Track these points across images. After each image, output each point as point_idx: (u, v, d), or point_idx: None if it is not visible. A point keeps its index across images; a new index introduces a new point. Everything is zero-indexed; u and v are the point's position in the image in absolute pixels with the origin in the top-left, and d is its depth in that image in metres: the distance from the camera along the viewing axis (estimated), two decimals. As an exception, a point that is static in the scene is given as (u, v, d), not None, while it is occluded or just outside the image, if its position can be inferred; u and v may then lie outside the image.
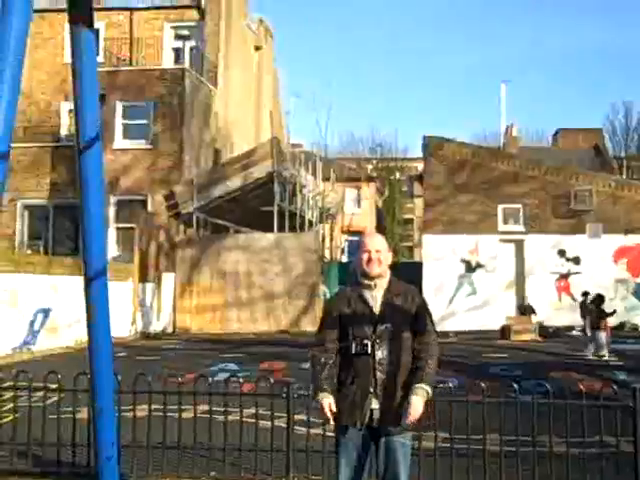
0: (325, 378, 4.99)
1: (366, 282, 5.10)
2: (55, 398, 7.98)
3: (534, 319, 23.54)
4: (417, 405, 4.81)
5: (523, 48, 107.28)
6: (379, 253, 5.08)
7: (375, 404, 4.89)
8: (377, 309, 5.02)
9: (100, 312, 3.33)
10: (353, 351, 4.95)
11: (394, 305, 5.03)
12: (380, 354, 4.92)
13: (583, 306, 20.57)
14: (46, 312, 18.66)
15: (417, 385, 4.87)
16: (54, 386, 7.85)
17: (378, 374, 4.90)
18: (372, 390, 4.90)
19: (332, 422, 4.92)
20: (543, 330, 22.85)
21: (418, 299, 5.15)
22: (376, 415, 4.89)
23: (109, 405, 3.27)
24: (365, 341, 4.93)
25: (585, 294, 20.82)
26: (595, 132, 49.27)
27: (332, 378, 5.02)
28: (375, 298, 5.05)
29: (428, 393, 4.88)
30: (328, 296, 25.66)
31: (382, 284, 5.09)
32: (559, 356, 16.99)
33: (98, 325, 3.36)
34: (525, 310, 24.35)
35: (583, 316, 20.20)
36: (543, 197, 26.62)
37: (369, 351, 4.92)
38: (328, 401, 4.90)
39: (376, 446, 4.98)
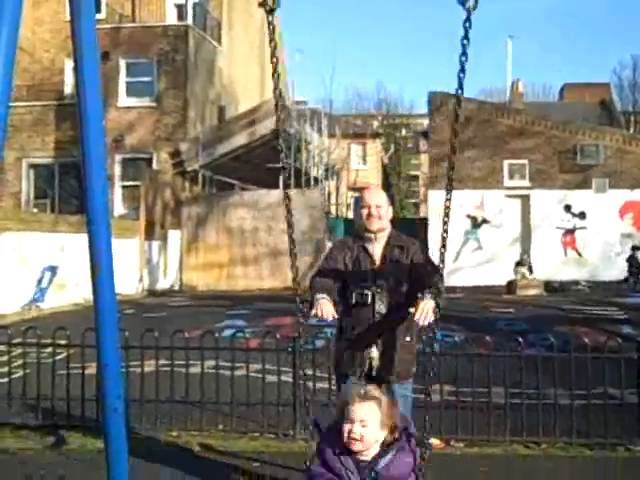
0: (323, 287, 4.87)
1: (367, 235, 5.12)
2: (64, 354, 8.07)
3: (530, 277, 23.52)
4: (426, 306, 4.55)
5: (529, 3, 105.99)
6: (379, 208, 5.10)
7: (375, 353, 4.95)
8: (377, 262, 5.05)
9: (103, 266, 3.34)
10: (353, 302, 5.00)
11: (394, 257, 5.06)
12: (380, 305, 4.96)
13: (634, 261, 20.34)
14: (54, 270, 18.75)
15: (425, 290, 4.66)
16: (63, 342, 7.93)
17: (377, 324, 4.95)
18: (372, 340, 4.95)
19: (328, 317, 4.66)
20: (549, 285, 22.89)
21: (417, 247, 5.17)
22: (375, 364, 4.94)
23: (114, 360, 3.31)
24: (365, 292, 4.97)
25: (635, 248, 20.60)
26: (602, 87, 48.82)
27: (330, 290, 4.86)
28: (375, 250, 5.08)
29: (434, 294, 4.63)
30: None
31: (382, 237, 5.13)
32: (564, 310, 17.03)
33: (102, 280, 3.37)
34: (522, 267, 24.13)
35: (631, 272, 19.96)
36: (549, 152, 26.49)
37: (369, 302, 4.96)
38: (324, 300, 4.70)
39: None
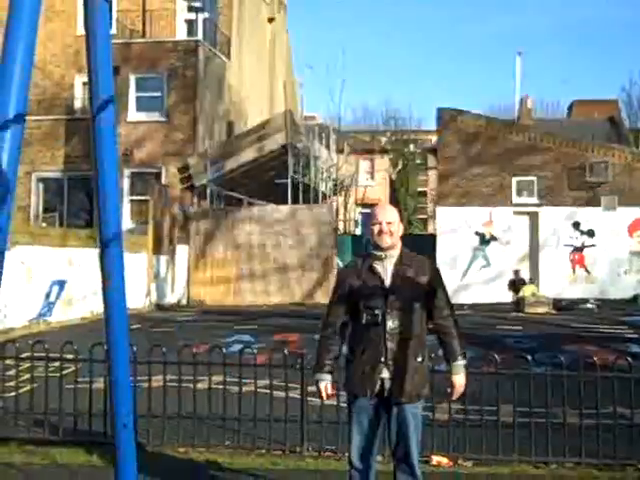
0: (327, 359, 5.14)
1: (377, 253, 5.10)
2: (72, 368, 8.06)
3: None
4: (459, 383, 5.11)
5: (539, 19, 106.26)
6: (390, 225, 5.08)
7: (386, 374, 4.93)
8: (388, 280, 5.03)
9: (115, 283, 3.34)
10: (364, 321, 4.98)
11: (405, 276, 5.04)
12: (391, 324, 4.95)
13: None
14: (62, 284, 18.78)
15: (455, 364, 5.11)
16: (70, 356, 7.92)
17: (389, 344, 4.93)
18: (382, 360, 4.93)
19: (328, 400, 5.16)
20: (557, 303, 22.83)
21: (430, 270, 5.16)
22: (387, 385, 4.93)
23: (125, 375, 3.30)
24: (376, 312, 4.96)
25: None
26: (611, 104, 48.78)
27: (334, 358, 5.17)
28: (386, 269, 5.06)
29: (464, 366, 5.14)
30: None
31: (393, 255, 5.10)
32: (573, 329, 16.97)
33: (113, 296, 3.37)
34: (517, 284, 23.97)
35: None
36: (558, 169, 26.47)
37: (379, 321, 4.95)
38: (325, 383, 5.10)
39: (388, 415, 5.03)
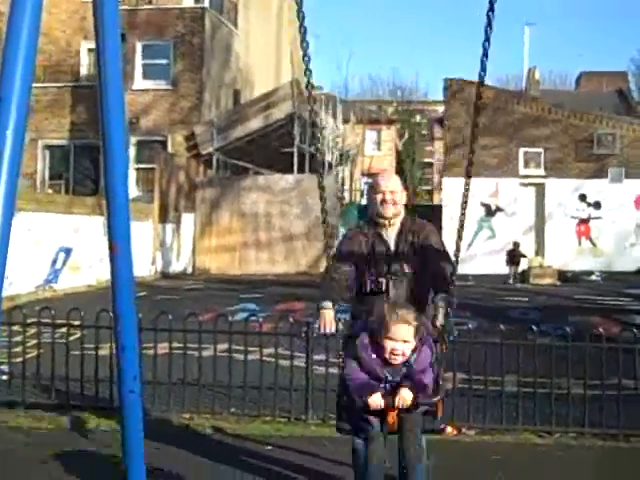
0: (332, 288, 4.93)
1: (380, 221, 5.09)
2: (78, 334, 8.10)
3: (524, 263, 23.43)
4: (440, 314, 4.74)
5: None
6: (394, 194, 5.06)
7: None
8: (391, 248, 5.02)
9: (123, 250, 3.35)
10: (368, 289, 4.97)
11: (409, 243, 5.03)
12: (394, 292, 4.94)
13: None
14: (68, 251, 18.82)
15: (439, 296, 4.81)
16: (77, 323, 7.96)
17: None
18: None
19: (327, 331, 4.91)
20: (562, 274, 22.84)
21: (430, 231, 5.15)
22: None
23: (132, 341, 3.32)
24: (380, 279, 4.95)
25: None
26: (619, 76, 48.43)
27: (340, 291, 4.97)
28: (389, 236, 5.05)
29: (450, 302, 4.75)
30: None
31: (396, 223, 5.09)
32: (578, 300, 16.99)
33: (120, 262, 3.38)
34: (515, 257, 23.76)
35: None
36: (565, 141, 26.36)
37: (383, 288, 4.94)
38: (329, 314, 4.90)
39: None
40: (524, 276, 22.61)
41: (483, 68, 3.94)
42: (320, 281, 5.17)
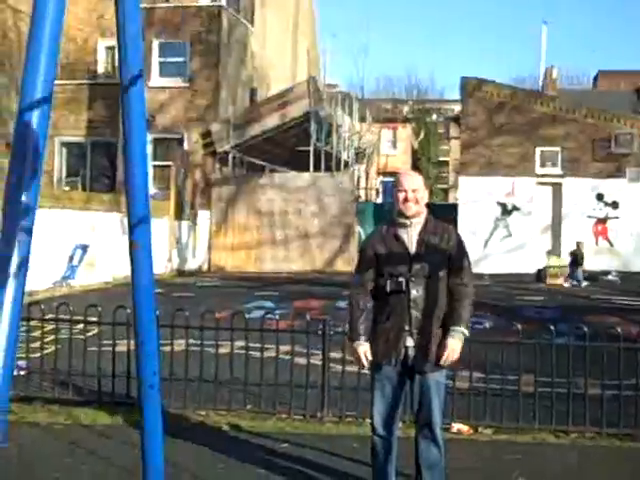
0: (362, 323, 5.04)
1: (402, 221, 5.07)
2: (95, 331, 8.14)
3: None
4: (453, 347, 4.91)
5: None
6: (415, 192, 5.03)
7: (410, 342, 4.93)
8: (413, 248, 5.00)
9: (142, 244, 3.36)
10: (388, 289, 4.96)
11: (430, 244, 5.01)
12: (415, 292, 4.93)
13: None
14: (85, 248, 18.91)
15: (453, 328, 4.94)
16: (94, 319, 8.00)
17: (413, 312, 4.92)
18: (407, 328, 4.92)
19: (366, 368, 5.05)
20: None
21: (454, 238, 5.12)
22: (411, 353, 4.93)
23: (151, 336, 3.33)
24: (400, 279, 4.94)
25: None
26: (637, 74, 48.12)
27: (369, 322, 5.06)
28: (411, 237, 5.03)
29: (464, 334, 4.95)
30: (363, 237, 25.74)
31: (418, 223, 5.07)
32: (595, 300, 16.93)
33: (140, 258, 3.40)
34: (578, 257, 23.25)
35: None
36: (582, 140, 26.22)
37: (404, 289, 4.93)
38: (364, 349, 5.00)
39: (411, 382, 5.04)
40: (540, 276, 22.44)
41: None
42: (349, 306, 5.22)
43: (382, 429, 5.07)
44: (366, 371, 5.43)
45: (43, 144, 2.74)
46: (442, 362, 4.92)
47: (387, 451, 5.07)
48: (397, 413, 5.13)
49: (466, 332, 4.96)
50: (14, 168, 2.63)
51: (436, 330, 4.95)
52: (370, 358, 5.01)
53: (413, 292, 4.92)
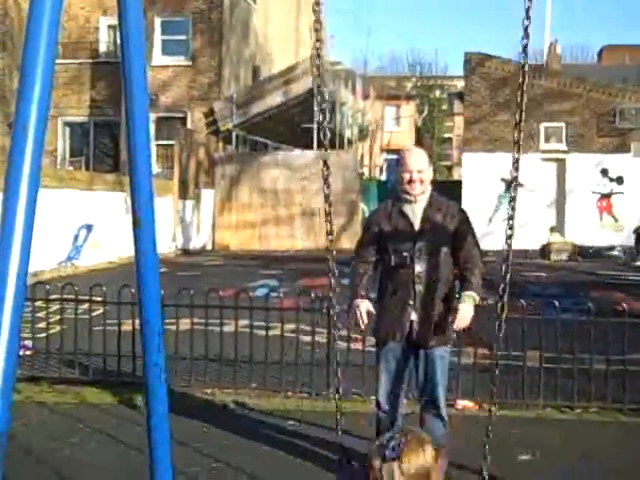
0: (363, 285, 5.10)
1: (407, 197, 5.07)
2: (100, 310, 8.16)
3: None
4: (465, 312, 4.91)
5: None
6: (421, 173, 5.02)
7: (414, 316, 4.94)
8: (417, 223, 5.01)
9: (146, 222, 3.36)
10: (392, 263, 4.98)
11: (434, 220, 5.02)
12: (419, 267, 4.94)
13: None
14: (89, 228, 18.92)
15: (464, 293, 4.97)
16: (99, 299, 8.01)
17: (417, 287, 4.93)
18: (411, 303, 4.93)
19: (362, 325, 5.06)
20: (583, 250, 22.69)
21: (459, 214, 5.13)
22: (415, 327, 4.94)
23: (156, 313, 3.33)
24: (404, 254, 4.95)
25: None
26: (642, 49, 47.84)
27: (369, 287, 5.12)
28: (415, 213, 5.03)
29: (475, 300, 4.96)
30: (367, 214, 25.72)
31: (423, 199, 5.06)
32: (600, 276, 16.92)
33: (144, 236, 3.39)
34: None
35: None
36: (587, 115, 26.10)
37: (408, 263, 4.94)
38: (365, 306, 5.01)
39: (415, 358, 5.05)
40: (544, 252, 22.44)
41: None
42: (350, 275, 5.24)
43: (387, 405, 5.09)
44: (371, 349, 5.44)
45: (44, 124, 2.73)
46: (455, 327, 4.95)
47: (391, 427, 5.08)
48: (402, 390, 5.14)
49: (477, 298, 4.96)
50: (15, 148, 2.62)
51: (440, 305, 4.96)
52: (373, 311, 5.04)
53: (417, 267, 4.93)
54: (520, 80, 3.59)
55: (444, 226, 5.01)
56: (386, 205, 5.25)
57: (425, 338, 4.94)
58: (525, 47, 3.53)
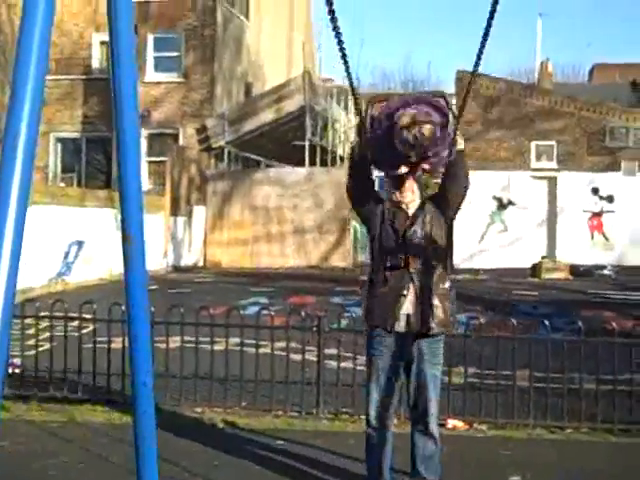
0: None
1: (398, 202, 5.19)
2: (90, 328, 8.12)
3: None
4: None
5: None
6: (412, 185, 5.16)
7: (409, 309, 4.88)
8: (409, 213, 5.06)
9: (135, 239, 3.34)
10: (388, 264, 4.96)
11: (428, 210, 5.06)
12: (411, 251, 4.94)
13: None
14: (80, 244, 18.86)
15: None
16: (89, 316, 7.97)
17: (413, 277, 4.90)
18: (405, 294, 4.89)
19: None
20: (574, 269, 22.70)
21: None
22: (410, 319, 4.88)
23: (145, 333, 3.31)
24: (400, 242, 4.97)
25: None
26: (633, 67, 48.08)
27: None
28: (409, 208, 5.09)
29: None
30: (358, 231, 25.73)
31: (414, 206, 5.17)
32: (590, 295, 16.92)
33: (133, 252, 3.37)
34: None
35: None
36: (577, 134, 26.21)
37: (402, 265, 4.94)
38: None
39: (407, 376, 5.02)
40: (535, 270, 22.44)
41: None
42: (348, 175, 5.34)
43: (376, 421, 5.06)
44: (361, 367, 5.41)
45: (34, 139, 2.72)
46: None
47: (381, 444, 5.05)
48: (392, 405, 5.11)
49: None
50: (5, 163, 2.60)
51: (435, 298, 4.90)
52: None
53: (410, 250, 4.93)
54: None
55: (438, 215, 5.12)
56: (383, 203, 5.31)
57: (422, 327, 4.88)
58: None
